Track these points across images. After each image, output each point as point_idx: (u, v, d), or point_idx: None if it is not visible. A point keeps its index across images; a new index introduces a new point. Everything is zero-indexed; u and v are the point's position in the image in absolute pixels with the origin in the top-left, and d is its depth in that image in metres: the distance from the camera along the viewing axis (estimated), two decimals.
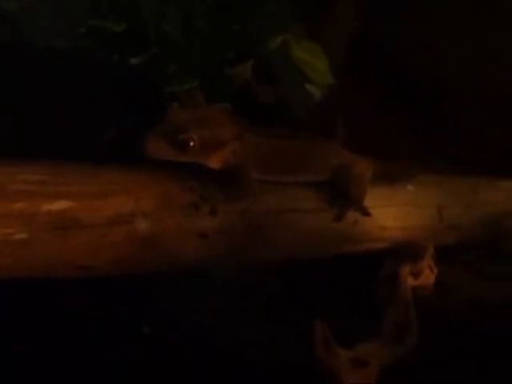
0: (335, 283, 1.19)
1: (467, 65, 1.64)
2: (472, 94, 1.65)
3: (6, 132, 1.11)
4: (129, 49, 1.21)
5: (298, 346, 1.11)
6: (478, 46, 1.64)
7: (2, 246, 0.74)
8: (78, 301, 1.11)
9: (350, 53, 1.65)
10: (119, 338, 1.15)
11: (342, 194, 1.01)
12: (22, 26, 1.43)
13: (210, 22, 1.31)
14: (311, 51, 1.46)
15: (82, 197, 0.80)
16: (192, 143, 0.83)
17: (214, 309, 1.22)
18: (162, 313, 1.20)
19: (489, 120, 1.63)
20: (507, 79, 1.62)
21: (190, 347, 1.15)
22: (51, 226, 0.77)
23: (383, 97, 1.62)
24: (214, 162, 0.88)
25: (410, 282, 1.08)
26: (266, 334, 1.19)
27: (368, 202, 1.04)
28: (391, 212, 1.09)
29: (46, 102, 1.21)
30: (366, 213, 1.03)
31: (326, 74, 1.46)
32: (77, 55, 1.25)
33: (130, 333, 1.16)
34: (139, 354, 1.13)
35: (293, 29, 1.45)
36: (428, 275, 1.10)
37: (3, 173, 0.76)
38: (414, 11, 1.66)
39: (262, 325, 1.20)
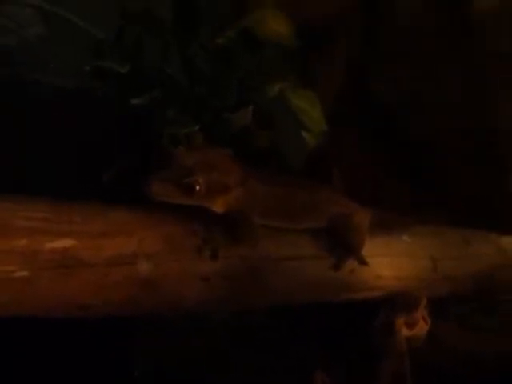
0: (331, 331, 1.18)
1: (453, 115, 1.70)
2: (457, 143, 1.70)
3: (6, 172, 1.11)
4: (131, 90, 1.23)
5: None
6: (464, 97, 1.70)
7: (3, 283, 0.73)
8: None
9: (340, 103, 1.70)
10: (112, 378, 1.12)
11: (340, 243, 1.02)
12: (20, 62, 1.44)
13: (211, 68, 1.34)
14: (307, 99, 1.49)
15: (85, 236, 0.79)
16: (198, 187, 0.84)
17: (209, 350, 1.20)
18: (156, 352, 1.18)
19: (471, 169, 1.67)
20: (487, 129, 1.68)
21: None
22: (53, 265, 0.76)
23: (371, 145, 1.66)
24: (218, 206, 0.89)
25: (405, 332, 1.08)
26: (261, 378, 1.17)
27: (364, 251, 1.05)
28: (387, 262, 1.10)
29: (44, 141, 1.21)
30: (363, 262, 1.04)
31: (320, 121, 1.50)
32: (77, 94, 1.26)
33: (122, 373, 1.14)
34: None
35: (289, 77, 1.49)
36: (422, 326, 1.10)
37: (6, 209, 0.76)
38: (403, 64, 1.72)
39: (257, 368, 1.19)
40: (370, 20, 1.78)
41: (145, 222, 0.85)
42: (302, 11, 1.63)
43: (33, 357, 1.08)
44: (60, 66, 1.39)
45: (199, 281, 0.87)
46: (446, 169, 1.70)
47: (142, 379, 1.12)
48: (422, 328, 1.10)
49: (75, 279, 0.78)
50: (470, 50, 1.71)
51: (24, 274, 0.74)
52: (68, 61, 1.41)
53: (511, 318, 1.40)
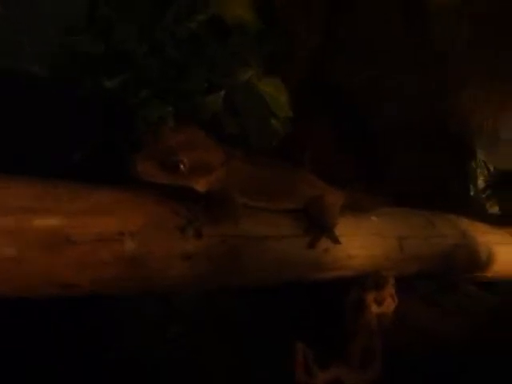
0: (304, 311, 1.22)
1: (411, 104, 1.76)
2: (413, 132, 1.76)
3: None
4: (104, 71, 1.22)
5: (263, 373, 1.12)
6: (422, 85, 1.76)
7: None
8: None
9: (301, 90, 1.73)
10: (81, 362, 1.12)
11: (315, 223, 1.05)
12: None
13: (180, 53, 1.35)
14: (273, 85, 1.52)
15: (72, 214, 0.79)
16: (182, 166, 0.85)
17: (179, 335, 1.22)
18: (126, 337, 1.18)
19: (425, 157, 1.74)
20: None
21: (154, 374, 1.15)
22: (41, 243, 0.76)
23: (332, 134, 1.70)
24: (201, 186, 0.90)
25: (374, 309, 1.12)
26: (232, 362, 1.19)
27: (337, 230, 1.09)
28: (357, 241, 1.14)
29: (18, 124, 1.20)
30: (336, 241, 1.08)
31: (286, 107, 1.52)
32: (48, 78, 1.24)
33: (93, 355, 1.14)
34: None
35: (255, 63, 1.50)
36: (389, 303, 1.15)
37: None
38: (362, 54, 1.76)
39: (228, 352, 1.21)
40: (331, 9, 1.81)
41: (129, 201, 0.86)
42: None
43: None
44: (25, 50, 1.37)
45: (181, 259, 0.88)
46: (399, 155, 1.76)
47: (116, 364, 1.12)
48: (390, 305, 1.15)
49: (62, 257, 0.78)
50: (427, 38, 1.77)
51: (11, 252, 0.74)
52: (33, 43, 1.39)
53: (469, 295, 1.48)
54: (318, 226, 1.06)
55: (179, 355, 1.20)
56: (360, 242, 1.14)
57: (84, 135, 1.25)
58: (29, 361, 1.07)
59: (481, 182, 1.66)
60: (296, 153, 1.45)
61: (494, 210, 1.66)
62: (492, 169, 1.65)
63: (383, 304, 1.14)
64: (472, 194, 1.64)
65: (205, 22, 1.40)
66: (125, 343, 1.19)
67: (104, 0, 1.25)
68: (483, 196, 1.65)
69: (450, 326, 1.32)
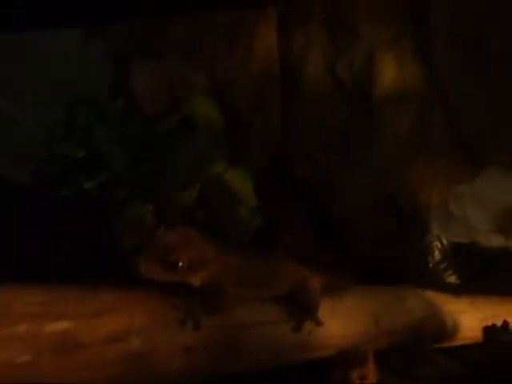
0: None
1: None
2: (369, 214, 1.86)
3: None
4: (83, 174, 1.29)
5: None
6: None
7: (5, 368, 0.75)
8: None
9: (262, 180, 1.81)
10: None
11: (299, 307, 1.12)
12: None
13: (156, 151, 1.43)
14: (239, 176, 1.61)
15: (80, 317, 0.83)
16: (181, 263, 0.91)
17: None
18: None
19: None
20: None
21: None
22: (53, 347, 0.79)
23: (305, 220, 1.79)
24: (196, 280, 0.96)
25: None
26: None
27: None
28: (336, 322, 1.20)
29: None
30: (319, 323, 1.14)
31: (251, 196, 1.61)
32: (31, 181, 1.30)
33: None
34: None
35: (222, 157, 1.60)
36: (371, 379, 1.21)
37: (8, 294, 0.79)
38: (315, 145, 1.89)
39: None
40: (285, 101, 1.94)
41: (132, 299, 0.91)
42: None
43: None
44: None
45: (183, 352, 0.93)
46: (359, 238, 1.85)
47: None
48: (372, 380, 1.21)
49: (73, 360, 0.81)
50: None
51: (26, 358, 0.77)
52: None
53: (437, 365, 1.55)
54: (302, 309, 1.12)
55: None
56: (338, 321, 1.21)
57: (64, 237, 1.29)
58: None
59: (437, 255, 1.77)
60: (272, 240, 1.53)
61: (451, 279, 1.77)
62: (445, 242, 1.77)
63: (366, 380, 1.19)
64: (431, 265, 1.74)
65: (175, 124, 1.50)
66: None
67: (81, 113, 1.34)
68: (441, 268, 1.76)
69: None
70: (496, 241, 1.57)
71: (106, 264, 1.18)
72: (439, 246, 1.77)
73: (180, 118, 1.52)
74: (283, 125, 1.92)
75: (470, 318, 1.56)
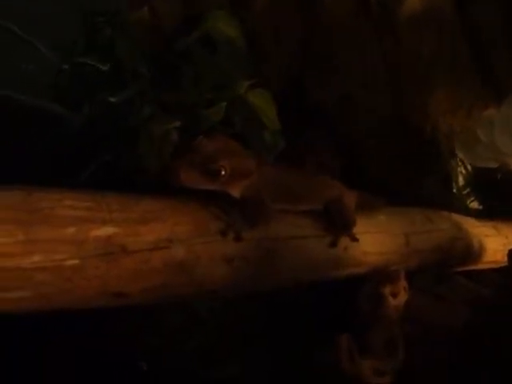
0: (321, 310, 1.25)
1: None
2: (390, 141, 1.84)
3: None
4: (109, 88, 1.24)
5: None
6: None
7: (53, 272, 0.73)
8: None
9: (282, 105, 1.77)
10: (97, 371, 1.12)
11: (335, 222, 1.10)
12: None
13: (180, 68, 1.38)
14: (264, 99, 1.56)
15: (125, 223, 0.81)
16: (223, 172, 0.88)
17: (197, 344, 1.23)
18: (142, 347, 1.18)
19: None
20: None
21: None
22: (99, 252, 0.77)
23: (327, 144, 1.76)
24: (236, 191, 0.94)
25: (391, 301, 1.18)
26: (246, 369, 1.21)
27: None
28: (369, 239, 1.19)
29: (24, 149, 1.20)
30: (354, 239, 1.13)
31: (275, 120, 1.57)
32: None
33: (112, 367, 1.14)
34: None
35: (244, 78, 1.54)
36: (403, 296, 1.21)
37: (50, 199, 0.76)
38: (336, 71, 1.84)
39: (242, 360, 1.22)
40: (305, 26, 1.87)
41: (173, 208, 0.89)
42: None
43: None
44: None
45: (224, 263, 0.91)
46: (380, 165, 1.83)
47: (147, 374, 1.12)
48: (403, 298, 1.21)
49: (117, 267, 0.79)
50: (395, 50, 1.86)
51: (74, 261, 0.75)
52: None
53: (459, 286, 1.56)
54: (338, 225, 1.11)
55: (197, 367, 1.21)
56: (372, 239, 1.20)
57: (90, 154, 1.26)
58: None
59: (460, 180, 1.75)
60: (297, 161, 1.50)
61: (474, 206, 1.76)
62: (469, 167, 1.75)
63: (398, 296, 1.19)
64: (455, 191, 1.73)
65: (196, 41, 1.44)
66: (144, 355, 1.19)
67: (104, 21, 1.28)
68: (464, 193, 1.75)
69: (448, 315, 1.39)
70: None
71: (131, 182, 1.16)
72: (463, 171, 1.75)
73: (201, 35, 1.45)
74: (301, 48, 1.87)
75: (494, 242, 1.57)
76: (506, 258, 1.40)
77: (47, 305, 0.76)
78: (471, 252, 1.46)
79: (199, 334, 1.20)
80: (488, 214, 1.71)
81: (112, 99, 1.24)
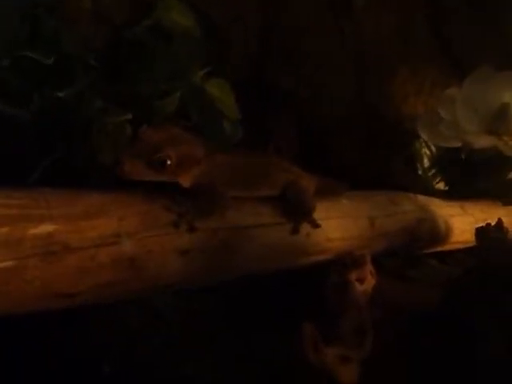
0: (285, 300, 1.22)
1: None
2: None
3: None
4: (54, 82, 1.18)
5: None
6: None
7: None
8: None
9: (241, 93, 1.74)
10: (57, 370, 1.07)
11: (294, 208, 1.07)
12: None
13: (131, 59, 1.33)
14: (221, 88, 1.52)
15: (66, 219, 0.76)
16: (169, 162, 0.84)
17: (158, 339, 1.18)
18: (104, 344, 1.14)
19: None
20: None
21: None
22: (39, 251, 0.72)
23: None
24: (186, 180, 0.90)
25: (357, 287, 1.15)
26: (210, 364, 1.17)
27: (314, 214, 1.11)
28: (333, 224, 1.16)
29: None
30: (316, 225, 1.10)
31: (234, 109, 1.53)
32: None
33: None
34: None
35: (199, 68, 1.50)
36: (370, 281, 1.18)
37: None
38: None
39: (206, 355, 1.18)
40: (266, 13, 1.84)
41: (119, 202, 0.84)
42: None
43: None
44: None
45: (178, 255, 0.87)
46: (344, 149, 1.82)
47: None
48: (370, 282, 1.18)
49: (61, 265, 0.75)
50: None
51: (9, 263, 0.70)
52: None
53: (430, 268, 1.54)
54: (297, 211, 1.07)
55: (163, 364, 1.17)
56: (335, 224, 1.17)
57: (40, 153, 1.20)
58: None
59: (426, 162, 1.74)
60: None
61: (440, 187, 1.75)
62: (433, 149, 1.73)
63: (365, 282, 1.16)
64: (420, 173, 1.71)
65: (149, 28, 1.39)
66: (108, 355, 1.14)
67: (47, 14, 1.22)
68: (429, 175, 1.73)
69: (419, 297, 1.36)
70: (486, 142, 1.53)
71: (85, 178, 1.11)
72: (427, 152, 1.74)
73: (151, 23, 1.40)
74: (263, 34, 1.84)
75: (461, 222, 1.55)
76: (474, 238, 1.39)
77: None
78: (438, 233, 1.44)
79: (162, 331, 1.16)
80: (454, 194, 1.69)
81: (60, 94, 1.19)
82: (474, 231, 1.36)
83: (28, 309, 0.76)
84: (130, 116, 1.23)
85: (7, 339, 1.03)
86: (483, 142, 1.53)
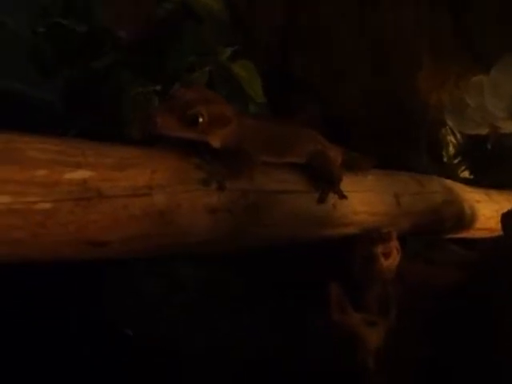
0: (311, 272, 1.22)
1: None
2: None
3: None
4: (86, 53, 1.20)
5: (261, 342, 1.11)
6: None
7: (23, 215, 0.70)
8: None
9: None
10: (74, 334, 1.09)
11: (321, 177, 1.07)
12: None
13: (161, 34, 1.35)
14: (247, 70, 1.53)
15: (101, 168, 0.77)
16: (201, 119, 0.85)
17: (176, 307, 1.19)
18: (122, 310, 1.15)
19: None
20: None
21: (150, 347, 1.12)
22: (74, 196, 0.74)
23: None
24: (216, 141, 0.90)
25: (383, 261, 1.15)
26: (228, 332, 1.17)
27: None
28: (359, 197, 1.16)
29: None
30: (342, 195, 1.10)
31: (260, 92, 1.53)
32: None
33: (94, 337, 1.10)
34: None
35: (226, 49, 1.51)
36: (395, 256, 1.17)
37: (20, 141, 0.72)
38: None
39: (224, 323, 1.19)
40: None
41: (152, 156, 0.85)
42: None
43: None
44: None
45: (207, 213, 0.88)
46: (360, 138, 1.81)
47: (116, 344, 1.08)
48: (395, 258, 1.17)
49: (94, 211, 0.76)
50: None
51: (46, 205, 0.71)
52: None
53: (451, 252, 1.53)
54: (324, 180, 1.07)
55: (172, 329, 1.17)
56: (361, 198, 1.17)
57: (72, 120, 1.22)
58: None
59: (451, 150, 1.73)
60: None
61: (465, 175, 1.74)
62: (459, 136, 1.72)
63: (390, 256, 1.16)
64: (445, 160, 1.70)
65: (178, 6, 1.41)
66: (124, 321, 1.15)
67: None
68: (455, 162, 1.72)
69: (441, 278, 1.35)
70: None
71: None
72: (453, 140, 1.73)
73: (182, 5, 1.43)
74: (288, 23, 1.85)
75: (486, 208, 1.54)
76: (498, 226, 1.37)
77: (18, 251, 0.72)
78: (463, 216, 1.43)
79: (181, 301, 1.17)
80: (479, 182, 1.68)
81: (95, 63, 1.21)
82: (499, 218, 1.34)
83: (61, 255, 0.77)
84: (157, 87, 1.25)
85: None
86: (511, 127, 1.52)
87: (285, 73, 1.83)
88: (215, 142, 0.90)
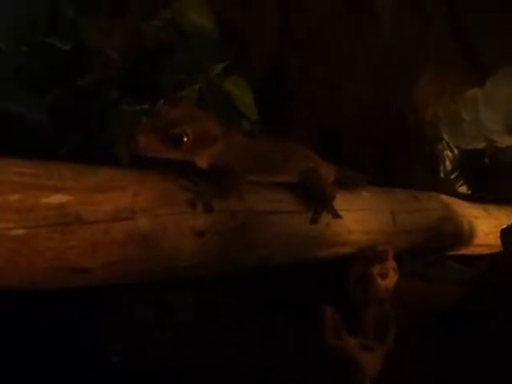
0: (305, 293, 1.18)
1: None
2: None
3: None
4: (73, 69, 1.18)
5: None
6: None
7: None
8: None
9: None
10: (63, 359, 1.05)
11: (313, 196, 1.04)
12: None
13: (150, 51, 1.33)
14: (238, 86, 1.50)
15: (80, 191, 0.74)
16: (185, 138, 0.82)
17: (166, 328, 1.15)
18: (113, 333, 1.11)
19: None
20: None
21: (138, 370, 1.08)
22: (50, 222, 0.70)
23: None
24: (203, 160, 0.87)
25: (379, 282, 1.11)
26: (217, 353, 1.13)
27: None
28: (354, 216, 1.13)
29: None
30: (336, 214, 1.06)
31: (252, 108, 1.51)
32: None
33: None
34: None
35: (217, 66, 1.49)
36: (392, 276, 1.14)
37: None
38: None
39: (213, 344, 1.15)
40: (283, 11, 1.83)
41: (135, 178, 0.82)
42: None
43: None
44: None
45: (194, 236, 0.84)
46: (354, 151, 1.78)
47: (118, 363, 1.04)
48: (393, 278, 1.14)
49: (74, 237, 0.72)
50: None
51: (20, 231, 0.67)
52: None
53: (450, 270, 1.49)
54: (316, 199, 1.04)
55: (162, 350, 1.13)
56: (356, 217, 1.14)
57: (61, 139, 1.19)
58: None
59: (448, 165, 1.70)
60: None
61: (463, 190, 1.71)
62: (456, 151, 1.70)
63: (387, 277, 1.12)
64: (442, 175, 1.67)
65: (168, 23, 1.39)
66: (118, 349, 1.11)
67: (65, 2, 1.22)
68: (452, 177, 1.69)
69: (439, 296, 1.32)
70: (510, 140, 1.50)
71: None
72: (450, 155, 1.70)
73: (170, 20, 1.40)
74: (281, 36, 1.83)
75: (485, 224, 1.51)
76: (498, 241, 1.34)
77: None
78: (461, 233, 1.40)
79: (172, 325, 1.13)
80: (477, 197, 1.65)
81: (80, 81, 1.18)
82: (498, 234, 1.31)
83: (38, 284, 0.73)
84: (145, 106, 1.22)
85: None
86: (507, 140, 1.49)
87: (278, 83, 1.81)
88: (201, 162, 0.87)
